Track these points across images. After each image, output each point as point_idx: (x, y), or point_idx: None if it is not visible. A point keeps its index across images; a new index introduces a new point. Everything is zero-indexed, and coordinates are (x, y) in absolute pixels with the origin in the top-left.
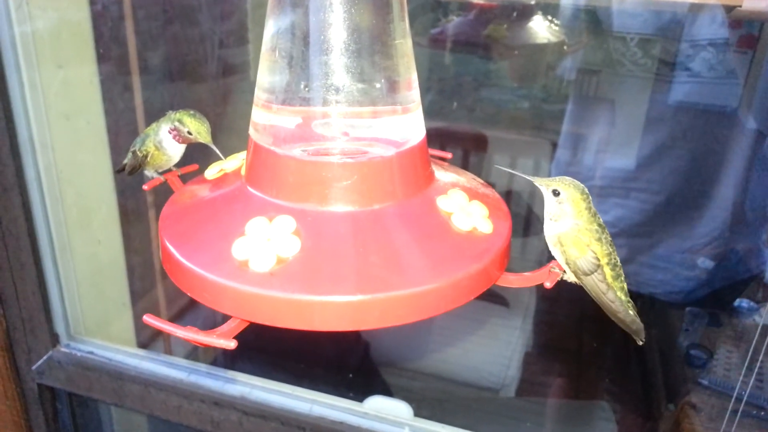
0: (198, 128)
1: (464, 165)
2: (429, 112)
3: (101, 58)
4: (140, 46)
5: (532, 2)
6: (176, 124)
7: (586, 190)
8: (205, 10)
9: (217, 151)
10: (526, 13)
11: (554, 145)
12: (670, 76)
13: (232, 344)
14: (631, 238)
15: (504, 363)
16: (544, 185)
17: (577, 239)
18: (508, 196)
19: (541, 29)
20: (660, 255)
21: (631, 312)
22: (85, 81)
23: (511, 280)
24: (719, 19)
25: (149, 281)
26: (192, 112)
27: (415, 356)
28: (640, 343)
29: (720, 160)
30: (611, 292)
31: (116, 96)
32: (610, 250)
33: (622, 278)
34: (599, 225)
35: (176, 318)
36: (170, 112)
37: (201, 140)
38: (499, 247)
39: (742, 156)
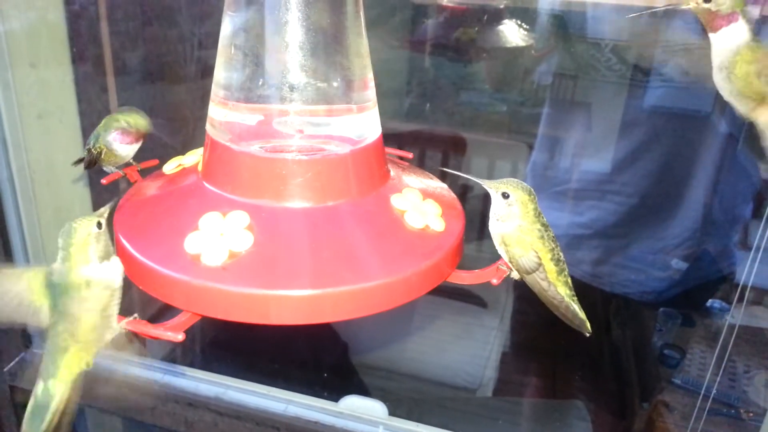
0: (135, 120)
1: (443, 167)
2: (408, 115)
3: (77, 58)
4: (117, 47)
5: (501, 6)
6: (115, 126)
7: (533, 191)
8: (184, 11)
9: (164, 138)
10: (497, 17)
11: (531, 148)
12: (645, 80)
13: (179, 337)
14: (605, 239)
15: (481, 363)
16: (493, 188)
17: (520, 239)
18: (487, 198)
19: (511, 33)
20: (633, 256)
21: (574, 305)
22: (59, 81)
23: (463, 277)
24: (692, 25)
25: (125, 282)
26: (126, 108)
27: (391, 356)
28: (587, 334)
29: (693, 162)
30: (553, 288)
31: (93, 96)
32: (553, 245)
33: (566, 272)
34: (542, 224)
35: (154, 320)
36: (109, 116)
37: (143, 130)
38: (450, 244)
39: (714, 159)
